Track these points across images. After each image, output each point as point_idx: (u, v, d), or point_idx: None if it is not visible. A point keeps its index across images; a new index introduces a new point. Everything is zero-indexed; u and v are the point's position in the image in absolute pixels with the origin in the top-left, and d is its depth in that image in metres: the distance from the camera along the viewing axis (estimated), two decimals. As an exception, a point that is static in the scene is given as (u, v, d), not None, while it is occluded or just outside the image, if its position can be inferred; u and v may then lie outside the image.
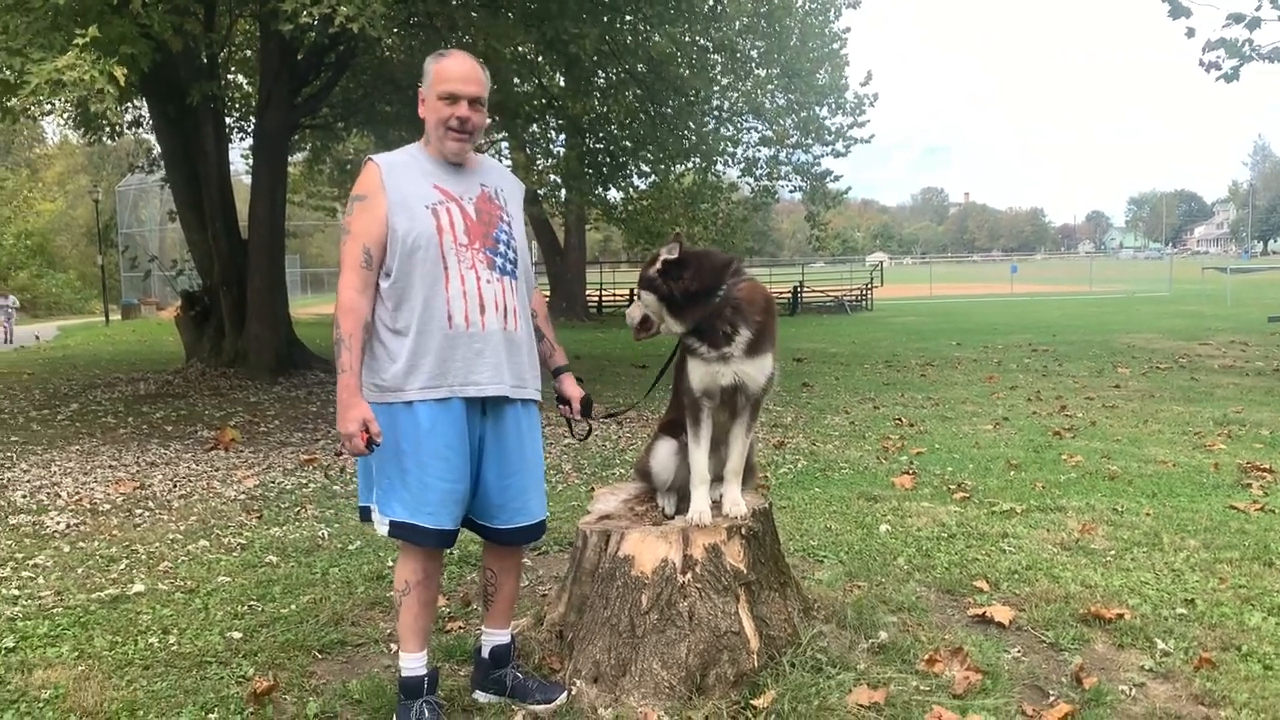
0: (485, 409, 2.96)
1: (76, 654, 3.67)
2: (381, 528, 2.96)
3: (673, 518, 3.45)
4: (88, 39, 6.90)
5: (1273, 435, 7.91)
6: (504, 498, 3.01)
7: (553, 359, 3.32)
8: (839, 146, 21.45)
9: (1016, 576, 4.37)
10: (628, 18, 12.92)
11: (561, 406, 3.38)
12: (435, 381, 2.86)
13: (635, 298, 3.36)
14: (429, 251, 2.85)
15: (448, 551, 4.62)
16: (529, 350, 3.07)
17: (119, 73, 6.93)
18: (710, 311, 3.16)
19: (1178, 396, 10.33)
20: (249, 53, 15.34)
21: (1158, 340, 17.33)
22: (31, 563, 4.90)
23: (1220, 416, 8.88)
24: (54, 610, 4.17)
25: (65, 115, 13.72)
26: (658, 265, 3.21)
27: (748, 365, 3.20)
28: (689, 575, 3.15)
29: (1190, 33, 12.90)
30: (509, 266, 2.99)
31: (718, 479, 3.45)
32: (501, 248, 2.98)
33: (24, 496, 6.46)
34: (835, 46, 20.43)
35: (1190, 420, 8.77)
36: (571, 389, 3.36)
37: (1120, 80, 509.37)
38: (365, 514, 3.04)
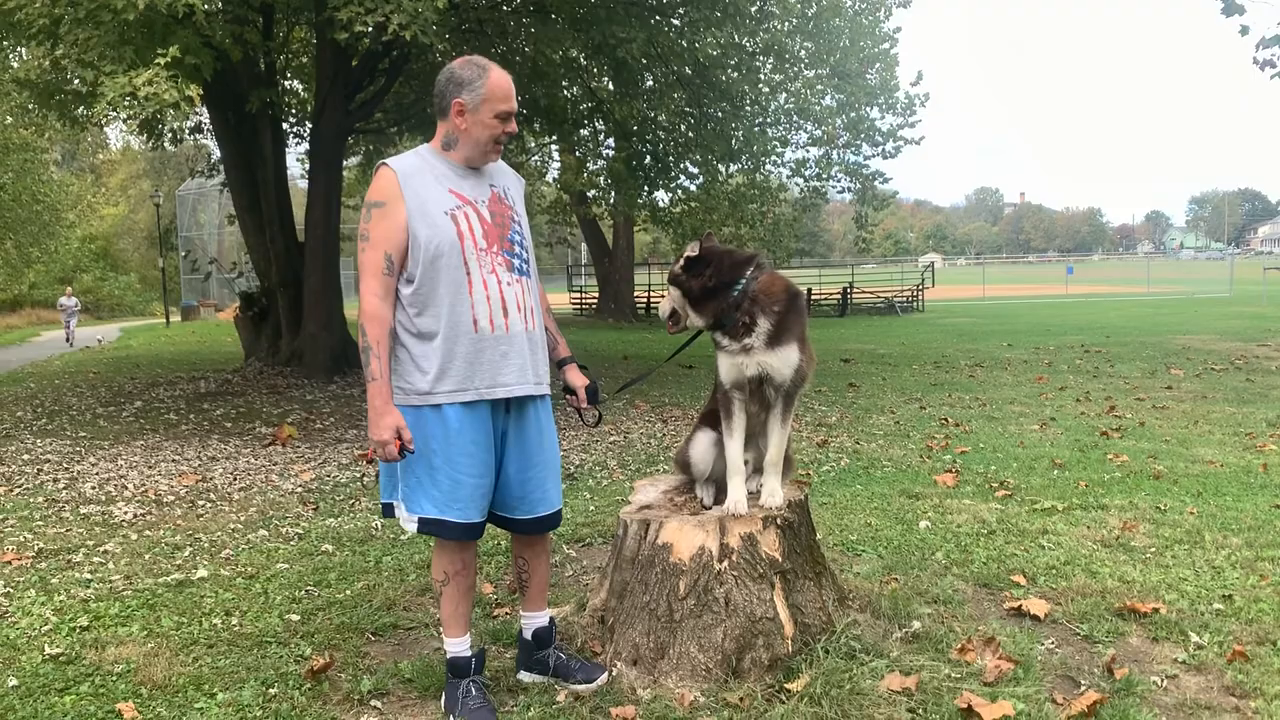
0: (509, 406, 3.05)
1: (145, 633, 3.88)
2: (409, 525, 3.02)
3: (710, 508, 3.55)
4: (168, 58, 7.17)
5: (1327, 436, 7.79)
6: (524, 490, 3.11)
7: (557, 351, 3.35)
8: (889, 148, 21.29)
9: (1054, 572, 4.41)
10: (674, 22, 13.02)
11: (569, 397, 3.42)
12: (463, 385, 2.94)
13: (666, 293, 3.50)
14: (451, 258, 2.91)
15: (497, 542, 4.79)
16: (544, 347, 3.16)
17: (195, 92, 7.21)
18: (729, 304, 3.28)
19: (1231, 398, 10.18)
20: (305, 59, 15.69)
21: (1215, 342, 17.02)
22: (102, 549, 5.15)
23: (1274, 418, 8.75)
24: (124, 593, 4.39)
25: (129, 123, 14.20)
26: (681, 262, 3.35)
27: (770, 356, 3.29)
28: (725, 563, 3.26)
29: (1244, 30, 12.71)
30: (524, 267, 3.08)
31: (757, 470, 3.56)
32: (516, 249, 3.06)
33: (93, 488, 6.75)
34: (885, 46, 20.24)
35: (1242, 421, 8.66)
36: (577, 379, 3.40)
37: (1181, 77, 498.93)
38: (388, 510, 3.10)
